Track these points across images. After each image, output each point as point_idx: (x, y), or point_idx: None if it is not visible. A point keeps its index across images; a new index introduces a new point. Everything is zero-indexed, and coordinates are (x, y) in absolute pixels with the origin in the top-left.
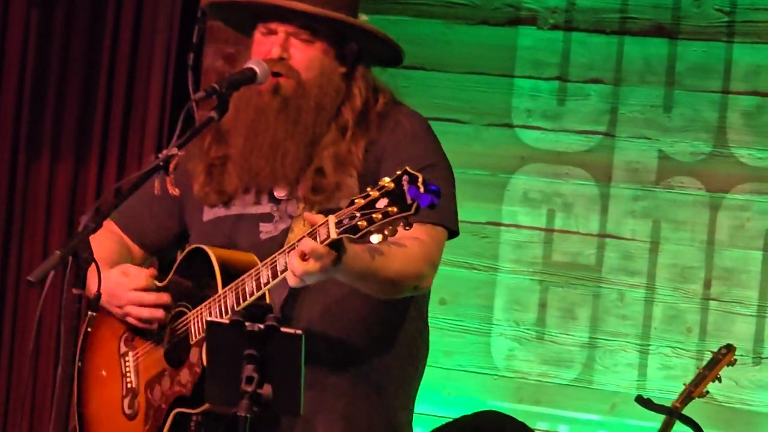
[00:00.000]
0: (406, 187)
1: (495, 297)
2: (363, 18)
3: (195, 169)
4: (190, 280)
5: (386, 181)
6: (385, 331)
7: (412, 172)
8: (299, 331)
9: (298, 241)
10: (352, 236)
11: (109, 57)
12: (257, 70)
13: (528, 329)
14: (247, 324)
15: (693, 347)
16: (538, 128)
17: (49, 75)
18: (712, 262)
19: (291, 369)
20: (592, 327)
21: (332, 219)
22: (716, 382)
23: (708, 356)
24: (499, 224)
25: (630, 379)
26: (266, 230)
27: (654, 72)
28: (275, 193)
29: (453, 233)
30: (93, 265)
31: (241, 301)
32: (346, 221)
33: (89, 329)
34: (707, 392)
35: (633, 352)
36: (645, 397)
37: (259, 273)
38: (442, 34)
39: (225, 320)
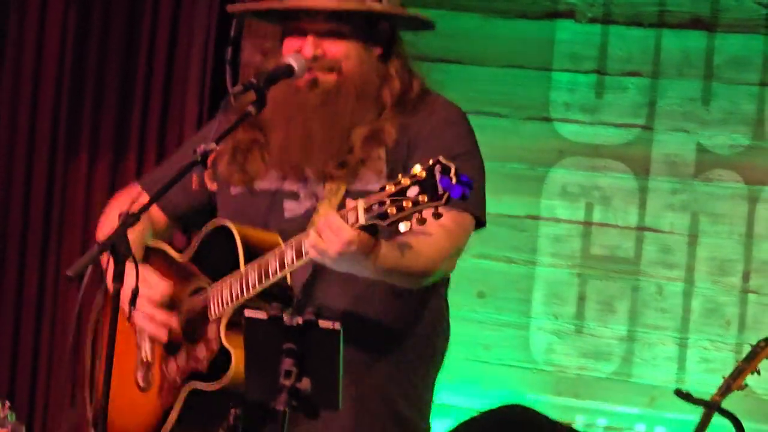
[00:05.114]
0: (438, 177)
1: (533, 290)
2: None
3: (221, 149)
4: (212, 257)
5: (418, 169)
6: (412, 307)
7: (444, 162)
8: (337, 326)
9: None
10: (380, 222)
11: (147, 52)
12: (295, 64)
13: (567, 322)
14: (285, 318)
15: (732, 340)
16: (576, 121)
17: (86, 71)
18: (750, 255)
19: (329, 363)
20: (630, 320)
21: (362, 204)
22: (755, 374)
23: (747, 349)
24: (538, 218)
25: (669, 373)
26: (290, 208)
27: (692, 65)
28: (305, 172)
29: (480, 223)
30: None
31: (263, 279)
32: (375, 207)
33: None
34: (746, 385)
35: (672, 345)
36: (684, 390)
37: (283, 252)
38: (480, 28)
39: (263, 315)
